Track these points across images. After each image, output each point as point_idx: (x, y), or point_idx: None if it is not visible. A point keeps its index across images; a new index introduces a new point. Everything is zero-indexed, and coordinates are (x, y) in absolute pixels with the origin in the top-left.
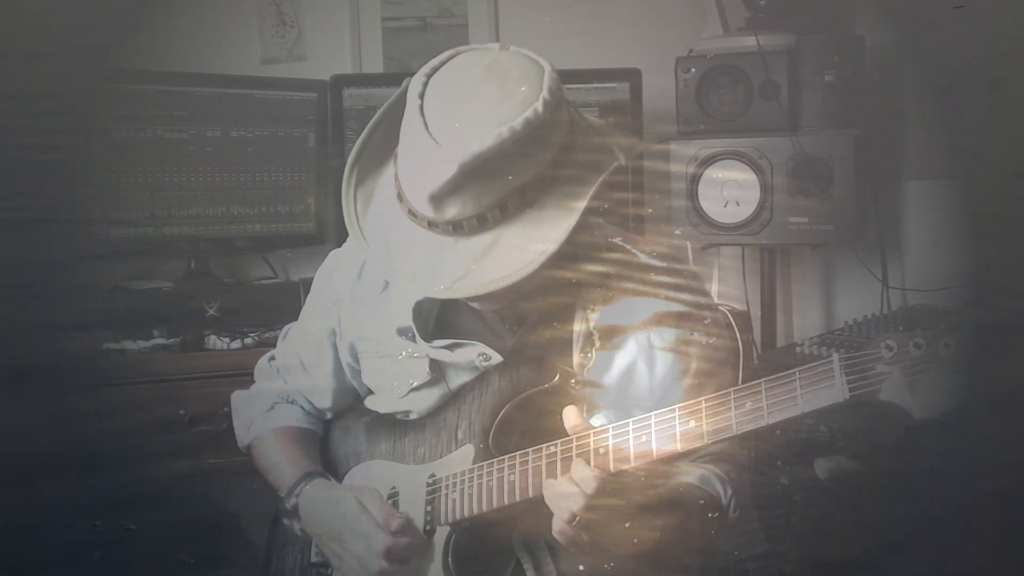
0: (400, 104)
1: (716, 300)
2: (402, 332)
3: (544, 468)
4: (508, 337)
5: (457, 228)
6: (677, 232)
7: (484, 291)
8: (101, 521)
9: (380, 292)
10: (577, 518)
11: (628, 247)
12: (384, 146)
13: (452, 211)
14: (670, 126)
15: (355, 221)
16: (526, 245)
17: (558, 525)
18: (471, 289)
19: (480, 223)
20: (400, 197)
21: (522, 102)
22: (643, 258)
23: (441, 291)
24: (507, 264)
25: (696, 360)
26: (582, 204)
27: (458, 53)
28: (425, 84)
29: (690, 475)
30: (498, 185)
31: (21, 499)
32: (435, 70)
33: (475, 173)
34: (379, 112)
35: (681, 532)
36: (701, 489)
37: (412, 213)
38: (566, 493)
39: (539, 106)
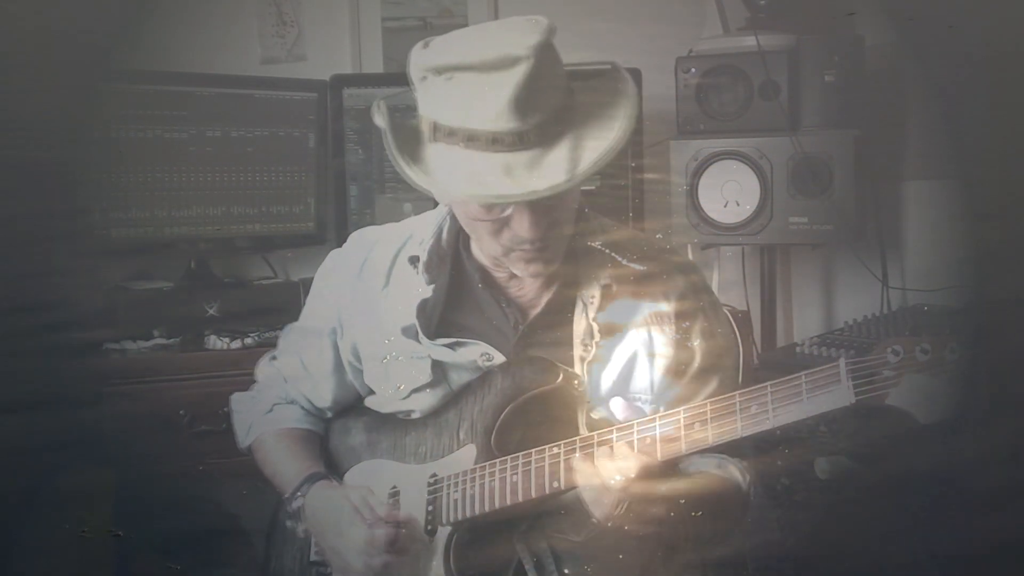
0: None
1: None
2: (406, 331)
3: (547, 469)
4: (511, 334)
5: (535, 139)
6: (659, 236)
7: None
8: (88, 528)
9: (381, 289)
10: (624, 504)
11: (617, 257)
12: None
13: (533, 118)
14: (670, 126)
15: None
16: (592, 143)
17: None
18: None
19: (543, 131)
20: (449, 135)
21: (528, 25)
22: (633, 266)
23: (545, 190)
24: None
25: (696, 353)
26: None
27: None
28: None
29: (706, 464)
30: (548, 98)
31: (21, 498)
32: (428, 43)
33: (535, 77)
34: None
35: (713, 519)
36: (721, 477)
37: (471, 139)
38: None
39: (544, 22)
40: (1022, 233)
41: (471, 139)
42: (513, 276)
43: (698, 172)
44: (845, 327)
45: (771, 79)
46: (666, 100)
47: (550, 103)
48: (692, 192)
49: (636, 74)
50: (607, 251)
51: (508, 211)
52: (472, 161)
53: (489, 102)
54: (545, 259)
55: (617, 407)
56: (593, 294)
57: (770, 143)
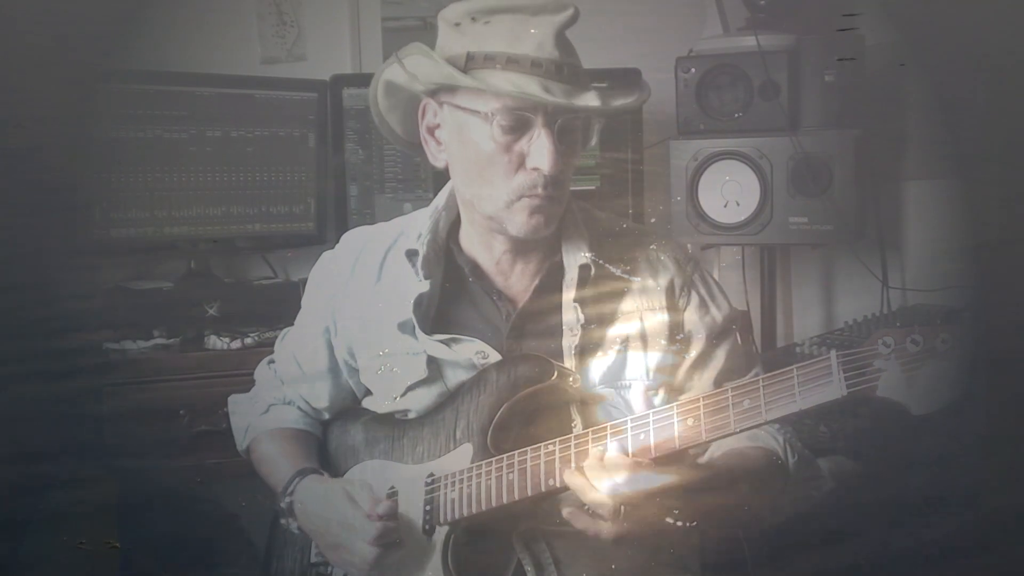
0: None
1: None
2: (402, 327)
3: (543, 467)
4: (503, 326)
5: (568, 76)
6: (653, 247)
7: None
8: (86, 539)
9: (374, 284)
10: (622, 511)
11: (604, 264)
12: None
13: (569, 58)
14: (670, 126)
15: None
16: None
17: (602, 526)
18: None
19: (576, 74)
20: (487, 59)
21: None
22: (619, 273)
23: (582, 106)
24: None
25: (694, 329)
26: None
27: None
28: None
29: (740, 440)
30: (576, 52)
31: (21, 499)
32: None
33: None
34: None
35: (757, 494)
36: (758, 447)
37: (512, 61)
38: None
39: None
40: (1022, 233)
41: (511, 61)
42: (501, 267)
43: (698, 172)
44: (845, 327)
45: (771, 79)
46: (666, 100)
47: (580, 61)
48: (692, 192)
49: (636, 74)
50: (588, 232)
51: (532, 138)
52: (511, 78)
53: (535, 33)
54: (547, 212)
55: (635, 395)
56: (572, 276)
57: (770, 143)
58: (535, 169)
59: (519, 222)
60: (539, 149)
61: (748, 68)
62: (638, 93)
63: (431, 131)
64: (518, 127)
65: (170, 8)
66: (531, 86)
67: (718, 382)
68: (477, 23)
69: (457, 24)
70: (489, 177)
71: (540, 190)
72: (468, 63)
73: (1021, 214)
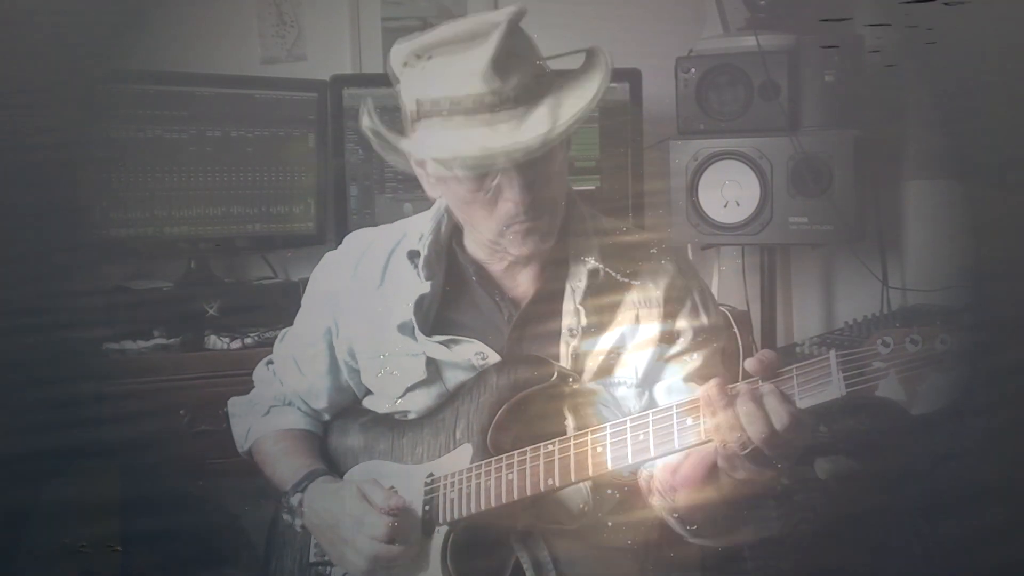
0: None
1: (717, 300)
2: (402, 328)
3: (542, 467)
4: (505, 327)
5: (515, 99)
6: (653, 250)
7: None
8: (86, 540)
9: (377, 287)
10: (750, 448)
11: (608, 270)
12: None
13: (511, 79)
14: (670, 126)
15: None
16: (571, 100)
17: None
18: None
19: (523, 92)
20: (433, 105)
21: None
22: (622, 279)
23: (528, 139)
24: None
25: (683, 336)
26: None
27: None
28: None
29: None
30: (525, 64)
31: (21, 498)
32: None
33: (511, 40)
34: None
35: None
36: None
37: (455, 104)
38: (761, 415)
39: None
40: (1022, 233)
41: (454, 105)
42: (506, 270)
43: (698, 172)
44: (845, 327)
45: (771, 79)
46: (666, 100)
47: (526, 68)
48: (692, 192)
49: (636, 74)
50: (595, 237)
51: (497, 179)
52: (456, 126)
53: (470, 65)
54: (539, 233)
55: (629, 396)
56: (580, 279)
57: (770, 143)
58: (512, 202)
59: (515, 245)
60: (508, 187)
61: (748, 68)
62: (597, 80)
63: (421, 165)
64: (482, 171)
65: (170, 8)
66: (475, 133)
67: (688, 378)
68: (421, 60)
69: (405, 64)
70: (473, 214)
71: (523, 218)
72: (420, 112)
73: (1021, 214)
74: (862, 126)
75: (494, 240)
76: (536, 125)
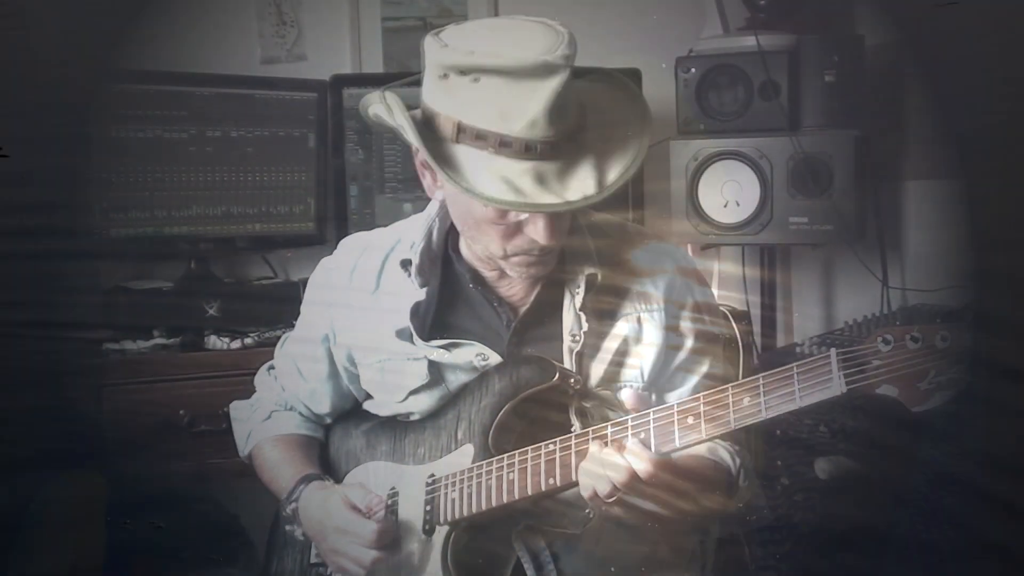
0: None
1: (717, 300)
2: (400, 333)
3: (543, 466)
4: (504, 332)
5: (561, 148)
6: (653, 246)
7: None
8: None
9: (372, 293)
10: (616, 495)
11: (607, 274)
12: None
13: (563, 128)
14: (670, 126)
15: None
16: (616, 155)
17: (588, 492)
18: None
19: (570, 141)
20: (478, 137)
21: (550, 32)
22: (622, 280)
23: (579, 201)
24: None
25: (686, 338)
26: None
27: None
28: (453, 55)
29: (699, 450)
30: (570, 111)
31: (21, 498)
32: (440, 35)
33: (568, 88)
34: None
35: (697, 503)
36: (710, 459)
37: (504, 144)
38: (613, 465)
39: (566, 32)
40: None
41: (503, 144)
42: (503, 275)
43: (698, 172)
44: (845, 327)
45: (771, 79)
46: (666, 100)
47: (574, 114)
48: (692, 192)
49: (636, 74)
50: (593, 240)
51: (523, 216)
52: (503, 167)
53: (526, 109)
54: (546, 263)
55: (626, 397)
56: (579, 284)
57: (770, 143)
58: (532, 239)
59: (517, 271)
60: (535, 228)
61: (748, 68)
62: (641, 140)
63: (425, 166)
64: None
65: (170, 8)
66: (523, 181)
67: (696, 388)
68: (466, 78)
69: (444, 76)
70: (483, 232)
71: (536, 253)
72: (459, 135)
73: (1021, 214)
74: (862, 126)
75: (493, 258)
76: (582, 186)
